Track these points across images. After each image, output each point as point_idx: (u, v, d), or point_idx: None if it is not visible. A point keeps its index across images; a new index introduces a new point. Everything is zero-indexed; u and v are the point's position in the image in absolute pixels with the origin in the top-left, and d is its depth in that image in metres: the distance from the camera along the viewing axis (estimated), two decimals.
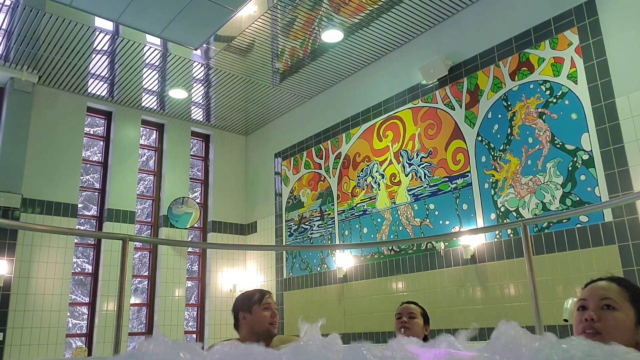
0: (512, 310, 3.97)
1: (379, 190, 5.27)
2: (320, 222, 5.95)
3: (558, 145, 3.88)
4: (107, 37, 5.08)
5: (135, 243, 6.16)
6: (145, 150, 7.30)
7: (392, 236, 5.04)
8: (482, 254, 4.25)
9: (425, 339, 2.59)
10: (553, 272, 3.75)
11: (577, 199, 3.71)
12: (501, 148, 4.27)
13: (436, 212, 4.69)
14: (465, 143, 4.56)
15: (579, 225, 3.67)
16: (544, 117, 4.01)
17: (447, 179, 4.65)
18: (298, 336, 2.39)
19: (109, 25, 4.91)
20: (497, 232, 4.18)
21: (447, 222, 4.58)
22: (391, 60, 5.47)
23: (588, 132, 3.71)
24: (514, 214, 4.09)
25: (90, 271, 6.36)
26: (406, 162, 5.05)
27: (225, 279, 6.84)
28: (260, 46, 5.31)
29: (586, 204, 3.64)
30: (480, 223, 4.32)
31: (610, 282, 1.46)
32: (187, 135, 7.07)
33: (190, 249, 6.99)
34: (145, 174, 7.08)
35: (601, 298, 1.42)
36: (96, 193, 6.43)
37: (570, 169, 3.78)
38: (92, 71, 5.71)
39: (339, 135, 5.91)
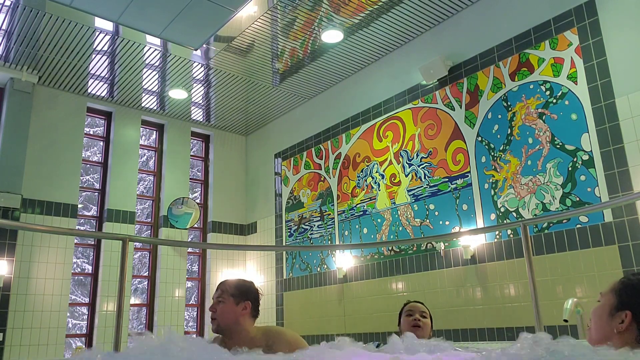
0: (512, 311, 3.97)
1: (379, 190, 5.27)
2: (320, 223, 5.95)
3: (558, 146, 3.88)
4: (107, 37, 5.08)
5: (135, 243, 6.15)
6: (145, 151, 7.30)
7: (392, 236, 5.04)
8: (482, 255, 4.25)
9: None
10: (553, 272, 3.74)
11: (577, 199, 3.71)
12: (501, 148, 4.27)
13: (436, 213, 4.69)
14: (465, 143, 4.56)
15: (579, 226, 3.67)
16: (544, 117, 4.01)
17: (447, 180, 4.65)
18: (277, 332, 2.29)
19: (109, 26, 4.91)
20: (497, 232, 4.18)
21: (447, 223, 4.58)
22: (391, 61, 5.47)
23: (588, 132, 3.71)
24: (514, 214, 4.09)
25: (90, 271, 6.36)
26: (406, 163, 5.05)
27: (225, 279, 6.83)
28: (260, 46, 5.31)
29: (586, 205, 3.63)
30: (480, 223, 4.32)
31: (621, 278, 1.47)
32: (187, 136, 7.07)
33: (190, 250, 6.99)
34: (145, 174, 7.08)
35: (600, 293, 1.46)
36: (96, 193, 6.43)
37: (570, 169, 3.78)
38: (92, 71, 5.71)
39: (339, 135, 5.91)
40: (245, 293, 2.27)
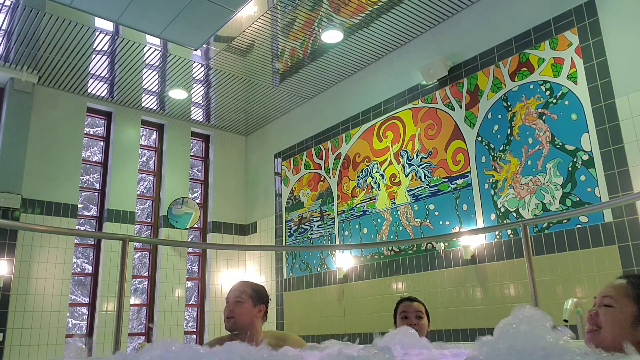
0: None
1: (379, 190, 5.27)
2: (320, 223, 5.95)
3: (558, 146, 3.88)
4: (107, 37, 5.08)
5: (135, 243, 6.15)
6: (145, 151, 7.30)
7: (392, 236, 5.04)
8: (482, 255, 4.25)
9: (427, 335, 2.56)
10: (553, 272, 3.74)
11: (577, 199, 3.71)
12: (501, 148, 4.27)
13: (436, 213, 4.69)
14: (465, 143, 4.56)
15: (579, 226, 3.67)
16: (544, 117, 4.01)
17: (447, 180, 4.65)
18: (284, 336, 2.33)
19: (109, 26, 4.91)
20: (497, 232, 4.18)
21: (447, 223, 4.58)
22: (391, 61, 5.47)
23: (588, 132, 3.71)
24: (514, 214, 4.09)
25: (90, 271, 6.36)
26: (406, 163, 5.05)
27: (225, 279, 6.84)
28: (260, 46, 5.31)
29: (586, 205, 3.63)
30: (480, 223, 4.32)
31: (623, 279, 1.43)
32: (187, 136, 7.07)
33: (190, 250, 6.99)
34: (145, 174, 7.08)
35: (603, 296, 1.42)
36: (96, 193, 6.43)
37: (570, 169, 3.78)
38: (92, 71, 5.71)
39: (339, 135, 5.91)
40: (262, 297, 2.34)
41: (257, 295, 2.31)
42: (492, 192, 4.27)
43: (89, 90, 6.13)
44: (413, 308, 2.62)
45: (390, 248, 5.01)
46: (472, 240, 4.31)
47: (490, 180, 4.31)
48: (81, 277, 7.78)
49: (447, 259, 4.50)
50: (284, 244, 6.44)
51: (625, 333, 1.32)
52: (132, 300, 6.56)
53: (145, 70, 5.71)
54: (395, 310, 2.74)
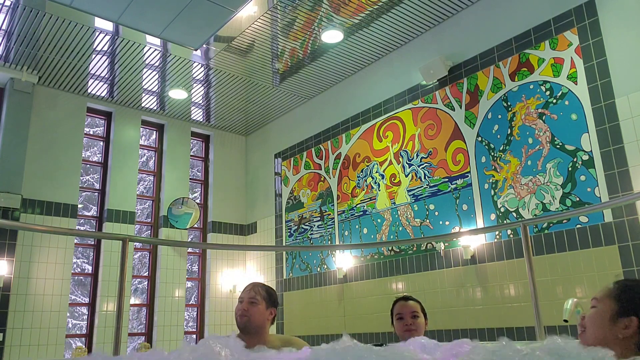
0: (512, 311, 3.97)
1: (379, 190, 5.27)
2: (320, 223, 5.95)
3: (558, 146, 3.88)
4: (107, 37, 5.08)
5: (135, 243, 6.15)
6: (145, 151, 7.30)
7: (392, 236, 5.04)
8: (482, 255, 4.25)
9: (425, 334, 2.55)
10: (553, 272, 3.74)
11: (577, 199, 3.71)
12: (501, 148, 4.27)
13: (436, 213, 4.69)
14: (465, 143, 4.56)
15: (578, 226, 3.67)
16: (544, 117, 4.01)
17: (447, 180, 4.65)
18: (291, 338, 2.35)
19: (109, 26, 4.91)
20: (497, 232, 4.18)
21: (447, 223, 4.58)
22: (391, 61, 5.47)
23: (588, 132, 3.71)
24: (514, 214, 4.09)
25: (90, 271, 6.36)
26: (406, 163, 5.05)
27: (225, 279, 6.84)
28: (260, 47, 5.31)
29: (586, 205, 3.64)
30: (480, 223, 4.32)
31: (614, 283, 1.46)
32: (187, 136, 7.07)
33: (190, 250, 6.99)
34: (145, 175, 7.08)
35: (591, 299, 1.45)
36: (96, 193, 6.43)
37: (570, 169, 3.78)
38: (92, 71, 5.71)
39: (339, 135, 5.91)
40: (274, 301, 2.38)
41: (270, 298, 2.36)
42: (492, 192, 4.27)
43: (89, 90, 6.13)
44: (408, 308, 2.57)
45: (390, 248, 5.01)
46: (472, 240, 4.31)
47: (490, 180, 4.31)
48: (81, 277, 7.78)
49: (447, 259, 4.50)
50: (284, 244, 6.44)
51: (604, 329, 1.34)
52: (132, 300, 6.55)
53: (145, 70, 5.71)
54: (391, 311, 2.71)
